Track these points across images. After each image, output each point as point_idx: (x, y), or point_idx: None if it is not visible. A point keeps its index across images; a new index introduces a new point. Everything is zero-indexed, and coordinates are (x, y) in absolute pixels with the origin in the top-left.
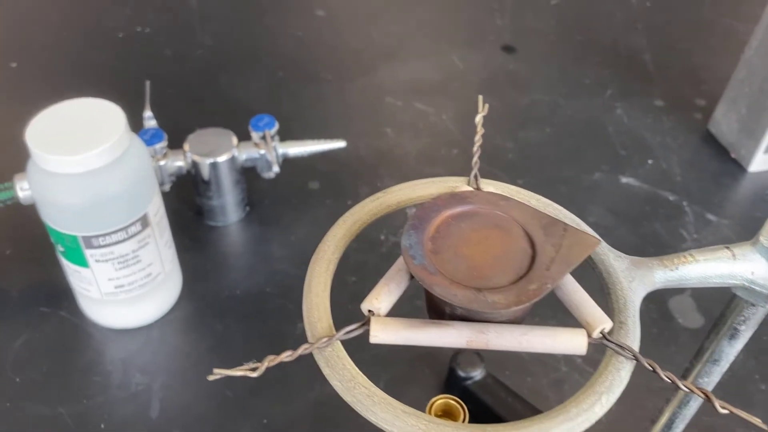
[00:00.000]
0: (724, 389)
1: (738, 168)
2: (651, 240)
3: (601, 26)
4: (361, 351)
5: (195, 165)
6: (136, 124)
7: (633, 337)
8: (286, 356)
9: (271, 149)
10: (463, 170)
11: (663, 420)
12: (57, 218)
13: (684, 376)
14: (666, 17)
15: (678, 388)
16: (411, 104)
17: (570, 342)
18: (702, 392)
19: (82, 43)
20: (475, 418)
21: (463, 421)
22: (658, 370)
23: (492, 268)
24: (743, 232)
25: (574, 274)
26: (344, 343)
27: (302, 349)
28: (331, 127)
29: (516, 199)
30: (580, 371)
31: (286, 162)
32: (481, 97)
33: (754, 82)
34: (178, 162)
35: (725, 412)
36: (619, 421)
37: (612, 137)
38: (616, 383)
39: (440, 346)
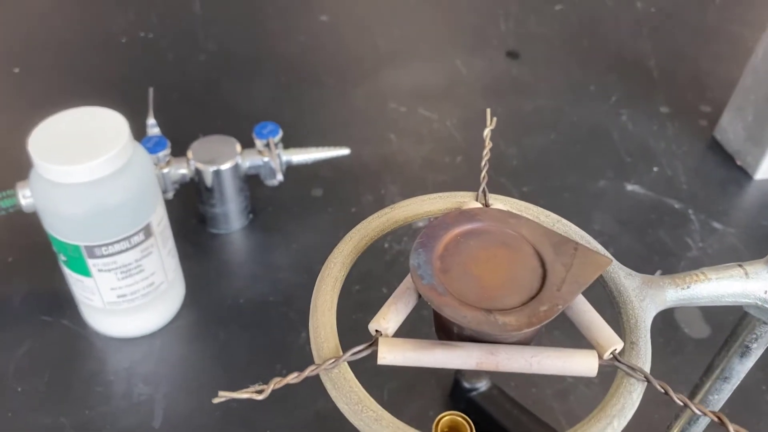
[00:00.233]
0: (730, 400)
1: (744, 176)
2: (656, 248)
3: (605, 32)
4: (366, 360)
5: (198, 173)
6: (139, 131)
7: (645, 359)
8: (293, 378)
9: (275, 157)
10: (467, 178)
11: None
12: (59, 228)
13: (693, 393)
14: (671, 23)
15: (691, 410)
16: (415, 110)
17: (581, 364)
18: (716, 416)
19: (85, 48)
20: (480, 429)
21: None
22: (671, 392)
23: (502, 288)
24: (749, 241)
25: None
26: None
27: (309, 371)
28: (335, 134)
29: (525, 215)
30: (585, 382)
31: (290, 169)
32: (489, 111)
33: (761, 89)
34: (181, 170)
35: None
36: None
37: (617, 144)
38: (627, 406)
39: (449, 367)
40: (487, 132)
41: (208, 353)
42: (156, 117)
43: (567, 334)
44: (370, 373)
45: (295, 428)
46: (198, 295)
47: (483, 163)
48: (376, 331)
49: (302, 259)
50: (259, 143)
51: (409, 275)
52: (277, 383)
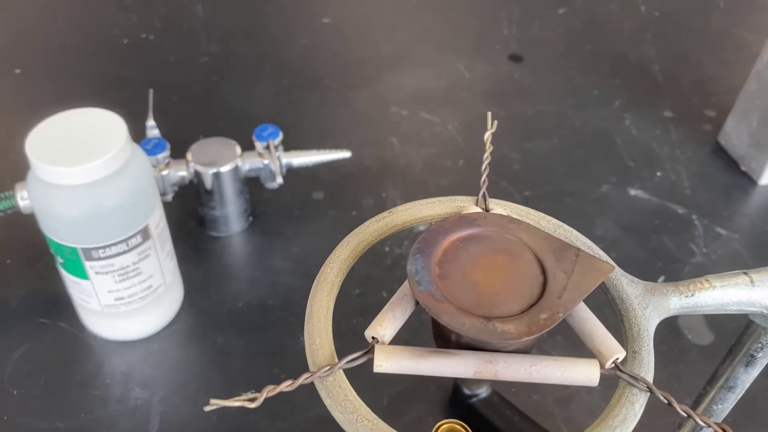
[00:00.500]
0: (735, 410)
1: (748, 181)
2: (659, 254)
3: (609, 36)
4: (365, 365)
5: (198, 175)
6: (138, 132)
7: (647, 368)
8: (286, 386)
9: (275, 159)
10: (468, 182)
11: None
12: (56, 230)
13: (697, 402)
14: (675, 28)
15: (695, 422)
16: (416, 114)
17: (582, 373)
18: (720, 428)
19: (87, 49)
20: None
21: None
22: (674, 403)
23: (501, 295)
24: (753, 247)
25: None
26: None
27: (303, 379)
28: (336, 137)
29: (526, 221)
30: (586, 389)
31: (290, 172)
32: (489, 114)
33: (766, 94)
34: (180, 172)
35: None
36: None
37: (620, 149)
38: (629, 417)
39: (447, 376)
40: (487, 135)
41: (205, 357)
42: (156, 119)
43: (568, 338)
44: (368, 379)
45: None
46: (196, 299)
47: (483, 167)
48: (373, 338)
49: (302, 262)
50: (259, 146)
51: (406, 281)
52: (270, 391)
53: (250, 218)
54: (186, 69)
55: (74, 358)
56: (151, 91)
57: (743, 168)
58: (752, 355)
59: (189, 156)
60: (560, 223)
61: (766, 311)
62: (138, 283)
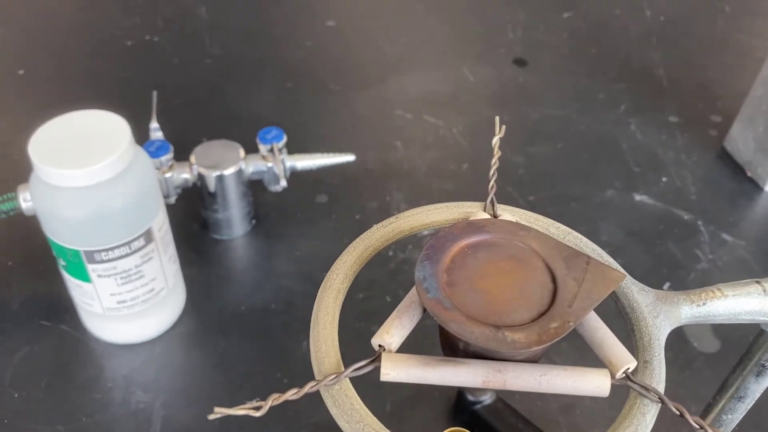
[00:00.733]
0: (745, 421)
1: (754, 187)
2: (665, 260)
3: (614, 40)
4: (367, 372)
5: (201, 177)
6: (142, 135)
7: (659, 378)
8: (291, 394)
9: (279, 162)
10: (473, 186)
11: None
12: (59, 232)
13: (706, 412)
14: (681, 32)
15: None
16: (421, 117)
17: (592, 383)
18: None
19: (91, 51)
20: None
21: None
22: (686, 415)
23: (511, 304)
24: (759, 253)
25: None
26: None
27: (308, 387)
28: (340, 140)
29: (535, 227)
30: (596, 400)
31: (294, 175)
32: (498, 118)
33: None
34: (184, 174)
35: None
36: None
37: (625, 153)
38: (641, 429)
39: (454, 385)
40: (495, 140)
41: (208, 361)
42: (160, 121)
43: (574, 345)
44: (373, 385)
45: None
46: (199, 302)
47: (491, 172)
48: (380, 346)
49: (305, 266)
50: (262, 148)
51: (414, 288)
52: (275, 399)
53: (254, 221)
54: (190, 71)
55: (76, 361)
56: (154, 93)
57: (749, 174)
58: (763, 365)
59: (192, 158)
60: (569, 229)
61: None
62: (140, 286)
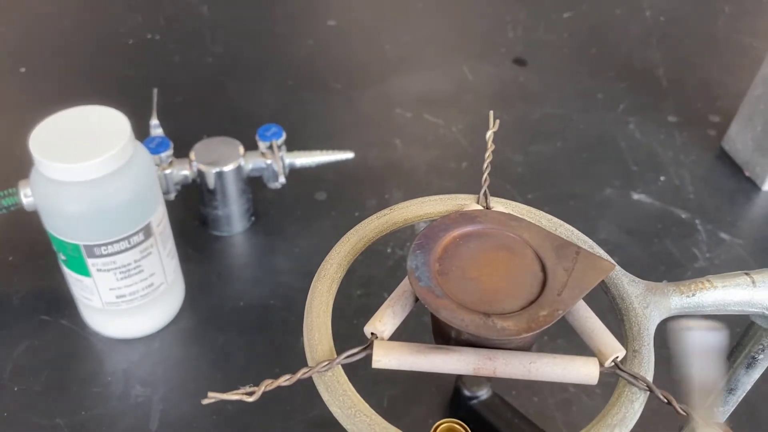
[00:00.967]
0: (734, 413)
1: (752, 187)
2: (662, 258)
3: (614, 40)
4: (365, 367)
5: (201, 174)
6: (142, 131)
7: (647, 367)
8: (284, 380)
9: (278, 159)
10: (473, 184)
11: None
12: (59, 226)
13: None
14: (680, 32)
15: (695, 422)
16: (421, 116)
17: (581, 371)
18: (721, 428)
19: (92, 48)
20: None
21: None
22: (674, 402)
23: (501, 292)
24: (757, 252)
25: (585, 296)
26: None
27: (301, 373)
28: (340, 138)
29: (527, 219)
30: (588, 392)
31: (293, 172)
32: (492, 113)
33: None
34: (183, 171)
35: None
36: None
37: (624, 153)
38: (629, 416)
39: (446, 372)
40: (489, 134)
41: (206, 356)
42: (160, 118)
43: (570, 341)
44: (369, 380)
45: None
46: (198, 298)
47: (485, 165)
48: (372, 333)
49: (304, 263)
50: (262, 145)
51: (407, 277)
52: (268, 385)
53: (253, 218)
54: (191, 69)
55: (75, 356)
56: (155, 90)
57: (747, 173)
58: (753, 357)
59: (192, 155)
60: (561, 222)
61: (767, 312)
62: (139, 281)
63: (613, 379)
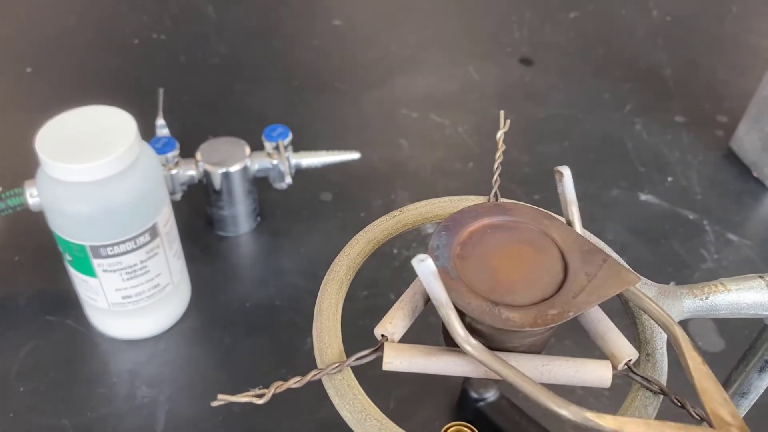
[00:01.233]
0: (746, 417)
1: (760, 187)
2: (670, 259)
3: (621, 40)
4: (371, 367)
5: (207, 174)
6: (148, 131)
7: (660, 371)
8: (294, 382)
9: (284, 160)
10: (479, 184)
11: None
12: (65, 227)
13: None
14: (687, 32)
15: (709, 426)
16: (426, 116)
17: (594, 374)
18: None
19: (98, 49)
20: None
21: None
22: (688, 406)
23: (516, 285)
24: (765, 254)
25: None
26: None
27: (311, 375)
28: (345, 138)
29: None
30: (596, 395)
31: (299, 173)
32: (502, 113)
33: None
34: (189, 171)
35: None
36: None
37: (631, 153)
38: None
39: (457, 375)
40: (500, 134)
41: (212, 357)
42: (166, 118)
43: (578, 343)
44: (375, 382)
45: None
46: (204, 298)
47: (495, 166)
48: (382, 335)
49: (310, 263)
50: (268, 146)
51: (417, 279)
52: (278, 387)
53: (259, 218)
54: (196, 69)
55: (81, 356)
56: (161, 90)
57: (755, 174)
58: (766, 361)
59: (198, 155)
60: (587, 232)
61: None
62: (145, 281)
63: (621, 381)
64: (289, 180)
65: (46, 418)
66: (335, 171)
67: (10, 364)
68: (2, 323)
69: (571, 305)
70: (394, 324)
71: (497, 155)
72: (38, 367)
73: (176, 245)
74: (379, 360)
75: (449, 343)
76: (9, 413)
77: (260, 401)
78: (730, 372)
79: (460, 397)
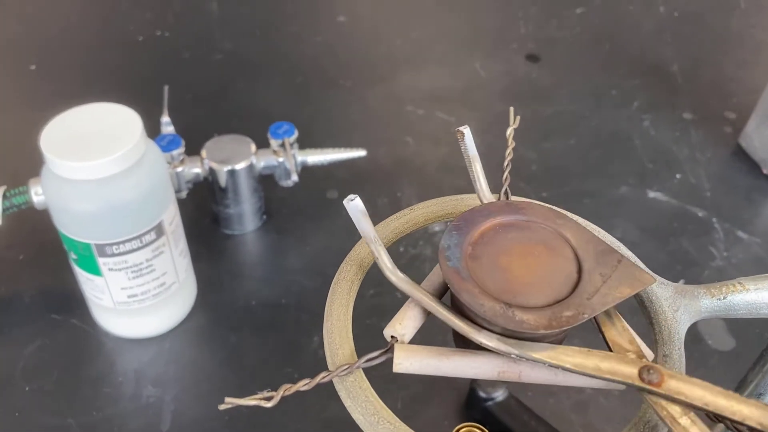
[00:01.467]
0: None
1: None
2: (679, 257)
3: (628, 36)
4: (378, 367)
5: (212, 172)
6: (153, 129)
7: (679, 371)
8: (303, 385)
9: (290, 157)
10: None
11: None
12: (70, 225)
13: None
14: (695, 28)
15: (729, 428)
16: (432, 113)
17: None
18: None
19: (102, 46)
20: None
21: None
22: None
23: (530, 286)
24: None
25: None
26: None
27: (321, 377)
28: (351, 135)
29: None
30: (605, 394)
31: (304, 170)
32: (512, 109)
33: None
34: (195, 169)
35: None
36: None
37: (639, 150)
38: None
39: (469, 377)
40: (510, 131)
41: (218, 356)
42: (171, 115)
43: (586, 342)
44: (384, 380)
45: None
46: (209, 297)
47: (506, 163)
48: (392, 336)
49: (316, 261)
50: (274, 143)
51: (426, 279)
52: (287, 390)
53: (264, 216)
54: (201, 66)
55: (86, 355)
56: (166, 87)
57: (765, 171)
58: None
59: (204, 153)
60: (596, 227)
61: None
62: (151, 280)
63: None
64: (295, 177)
65: (52, 418)
66: (341, 168)
67: (15, 362)
68: (7, 322)
69: (585, 307)
70: (404, 325)
71: (507, 152)
72: (43, 366)
73: (182, 243)
74: (386, 361)
75: (459, 343)
76: (14, 412)
77: (268, 404)
78: (746, 373)
79: (469, 397)
